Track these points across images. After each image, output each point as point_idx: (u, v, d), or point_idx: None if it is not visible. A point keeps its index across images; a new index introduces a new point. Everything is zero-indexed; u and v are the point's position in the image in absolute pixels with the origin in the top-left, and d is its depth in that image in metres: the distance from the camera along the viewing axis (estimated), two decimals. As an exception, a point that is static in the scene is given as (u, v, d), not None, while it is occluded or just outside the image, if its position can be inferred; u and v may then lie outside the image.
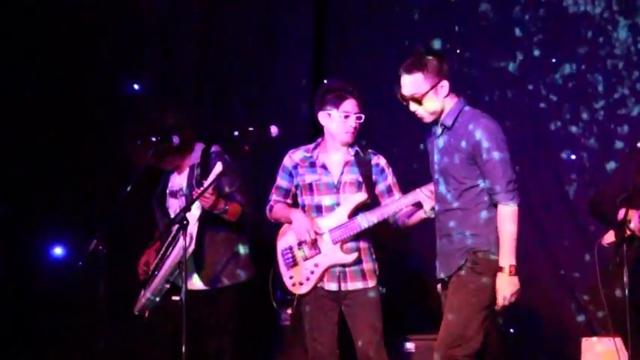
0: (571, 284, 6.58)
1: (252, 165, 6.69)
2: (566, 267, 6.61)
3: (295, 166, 5.68)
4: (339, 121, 5.56)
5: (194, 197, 5.48)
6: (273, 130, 5.49)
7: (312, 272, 5.58)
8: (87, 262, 5.46)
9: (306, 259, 5.61)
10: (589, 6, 6.68)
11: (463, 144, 4.74)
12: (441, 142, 4.85)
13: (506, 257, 4.67)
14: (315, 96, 5.72)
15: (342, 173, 5.60)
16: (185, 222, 5.28)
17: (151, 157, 5.73)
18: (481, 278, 4.71)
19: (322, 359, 5.55)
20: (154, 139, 5.73)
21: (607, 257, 5.27)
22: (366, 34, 7.28)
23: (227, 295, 5.84)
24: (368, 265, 5.59)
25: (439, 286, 4.94)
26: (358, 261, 5.56)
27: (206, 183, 5.50)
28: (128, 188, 5.53)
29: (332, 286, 5.57)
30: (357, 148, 5.63)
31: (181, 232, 5.32)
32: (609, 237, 5.30)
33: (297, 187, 5.69)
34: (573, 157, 6.70)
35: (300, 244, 5.61)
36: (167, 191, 6.00)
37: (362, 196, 5.56)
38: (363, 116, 5.57)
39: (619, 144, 6.55)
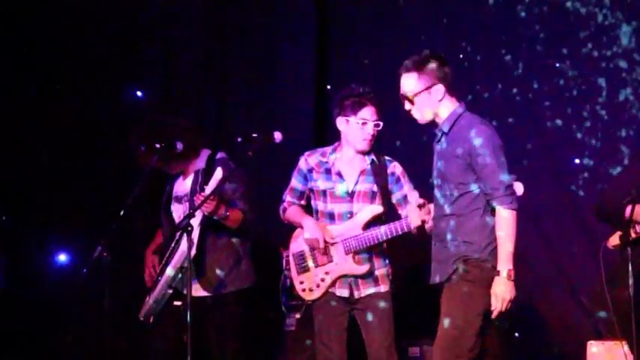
0: (576, 287, 6.57)
1: (256, 171, 6.68)
2: (571, 270, 6.60)
3: (310, 170, 5.68)
4: (356, 127, 5.55)
5: (196, 203, 5.48)
6: (277, 136, 5.48)
7: (323, 280, 5.58)
8: (91, 269, 5.45)
9: (317, 266, 5.60)
10: (593, 6, 6.68)
11: (459, 150, 4.74)
12: (439, 147, 4.86)
13: (504, 262, 4.66)
14: (334, 101, 5.70)
15: (357, 182, 5.60)
16: (190, 228, 5.29)
17: (156, 163, 5.74)
18: (472, 286, 4.71)
19: None
20: (157, 145, 5.73)
21: (612, 260, 5.27)
22: (368, 37, 7.28)
23: (229, 301, 5.82)
24: (380, 270, 5.59)
25: None
26: (371, 267, 5.56)
27: (207, 189, 5.50)
28: (133, 195, 5.53)
29: (344, 293, 5.57)
30: (373, 157, 5.63)
31: (185, 237, 5.33)
32: (614, 240, 5.30)
33: (311, 190, 5.69)
34: (577, 160, 6.69)
35: (312, 250, 5.60)
36: (172, 196, 6.00)
37: (378, 209, 5.55)
38: (381, 124, 5.56)
39: (623, 146, 6.54)
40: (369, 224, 5.53)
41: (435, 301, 4.85)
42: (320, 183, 5.64)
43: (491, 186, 4.69)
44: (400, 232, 5.43)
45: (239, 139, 5.57)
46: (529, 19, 6.84)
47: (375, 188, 5.57)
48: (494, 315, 4.71)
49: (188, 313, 5.18)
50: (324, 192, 5.62)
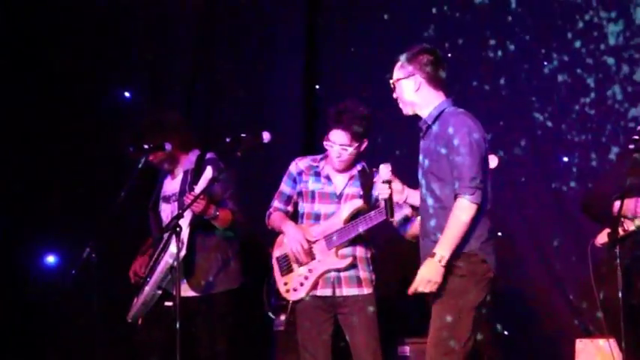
0: (565, 285, 6.58)
1: (245, 171, 6.68)
2: (560, 268, 6.61)
3: (300, 173, 5.71)
4: (328, 149, 5.60)
5: (186, 203, 5.48)
6: (265, 136, 5.49)
7: (307, 278, 5.58)
8: (80, 270, 5.44)
9: (300, 265, 5.61)
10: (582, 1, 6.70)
11: (440, 144, 4.76)
12: (423, 143, 4.88)
13: (445, 247, 4.64)
14: None
15: (345, 186, 5.64)
16: (178, 229, 5.29)
17: (147, 161, 5.74)
18: (462, 280, 4.70)
19: None
20: (146, 146, 5.73)
21: (600, 258, 5.28)
22: (357, 37, 7.28)
23: (219, 301, 5.82)
24: (365, 273, 5.60)
25: None
26: (354, 267, 5.56)
27: (197, 188, 5.51)
28: (122, 196, 5.52)
29: (326, 292, 5.57)
30: (363, 164, 5.67)
31: (173, 238, 5.32)
32: (602, 237, 5.31)
33: (299, 194, 5.70)
34: (565, 159, 6.70)
35: (294, 252, 5.61)
36: (160, 196, 5.99)
37: (358, 203, 5.56)
38: (349, 148, 5.55)
39: (611, 143, 6.55)
40: (352, 220, 5.53)
41: (424, 299, 4.85)
42: (309, 184, 5.67)
43: (457, 177, 4.68)
44: (379, 220, 5.40)
45: (228, 139, 5.57)
46: (519, 13, 6.85)
47: (362, 192, 5.61)
48: (409, 292, 4.72)
49: (177, 313, 5.18)
50: (313, 192, 5.65)
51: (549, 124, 6.74)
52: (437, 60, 4.89)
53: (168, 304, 5.70)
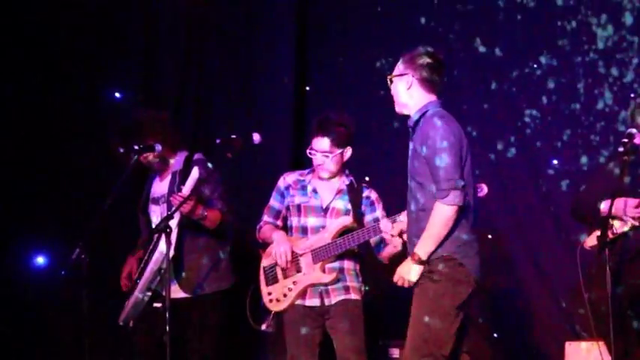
0: (554, 288, 6.59)
1: (234, 172, 6.68)
2: (549, 271, 6.62)
3: (287, 187, 5.72)
4: (312, 157, 5.61)
5: (173, 204, 5.47)
6: (256, 137, 5.50)
7: (290, 290, 5.59)
8: (69, 271, 5.43)
9: (286, 277, 5.62)
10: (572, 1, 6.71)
11: (420, 146, 4.76)
12: (411, 144, 4.90)
13: (420, 247, 4.70)
14: None
15: (332, 200, 5.64)
16: (168, 230, 5.28)
17: (137, 162, 5.74)
18: (439, 285, 4.71)
19: None
20: (136, 147, 5.72)
21: (590, 261, 5.29)
22: (347, 33, 7.28)
23: (209, 302, 5.83)
24: (353, 283, 5.61)
25: None
26: (342, 279, 5.57)
27: (184, 188, 5.50)
28: (112, 196, 5.51)
29: (315, 302, 5.58)
30: (351, 179, 5.68)
31: (163, 239, 5.32)
32: (591, 240, 5.33)
33: (287, 208, 5.72)
34: (555, 161, 6.71)
35: (281, 262, 5.62)
36: (149, 197, 5.99)
37: (347, 220, 5.57)
38: (331, 155, 5.56)
39: (601, 146, 6.56)
40: (340, 236, 5.54)
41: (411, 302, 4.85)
42: (296, 198, 5.68)
43: (435, 181, 4.69)
44: (366, 238, 5.45)
45: (218, 141, 5.57)
46: (508, 11, 6.87)
47: (349, 206, 5.61)
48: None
49: (167, 314, 5.17)
50: (299, 206, 5.66)
51: (539, 126, 6.75)
52: (435, 64, 4.87)
53: (157, 305, 5.70)
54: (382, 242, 5.54)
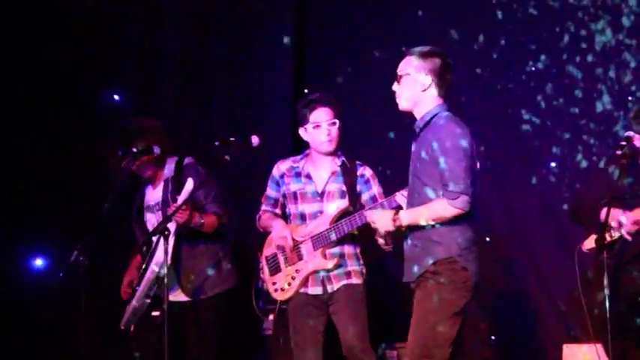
0: (552, 291, 6.59)
1: (233, 174, 6.68)
2: (547, 273, 6.63)
3: (282, 176, 5.72)
4: (313, 132, 5.59)
5: (169, 215, 5.47)
6: (254, 140, 5.49)
7: (294, 278, 5.60)
8: (68, 273, 5.43)
9: (288, 265, 5.63)
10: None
11: (428, 149, 4.74)
12: (414, 145, 4.88)
13: (409, 218, 4.73)
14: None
15: (327, 183, 5.63)
16: (167, 232, 5.27)
17: (133, 167, 5.72)
18: (442, 287, 4.70)
19: None
20: (134, 149, 5.72)
21: (587, 263, 5.30)
22: (346, 40, 7.29)
23: (210, 305, 5.83)
24: (354, 267, 5.60)
25: None
26: (343, 264, 5.57)
27: (179, 200, 5.49)
28: (110, 199, 5.52)
29: (317, 290, 5.58)
30: (343, 159, 5.66)
31: (162, 242, 5.30)
32: (589, 243, 5.33)
33: (284, 196, 5.72)
34: (553, 164, 6.71)
35: (282, 251, 5.63)
36: (144, 206, 5.98)
37: (344, 204, 5.57)
38: (337, 122, 5.59)
39: (599, 149, 6.57)
40: (338, 220, 5.54)
41: (413, 304, 4.85)
42: (291, 186, 5.68)
43: (444, 184, 4.67)
44: (364, 221, 5.37)
45: (216, 143, 5.56)
46: (508, 9, 6.87)
47: (344, 188, 5.60)
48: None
49: (165, 318, 5.17)
50: (295, 194, 5.66)
51: (537, 128, 6.76)
52: (449, 67, 4.86)
53: (155, 313, 5.68)
54: None
